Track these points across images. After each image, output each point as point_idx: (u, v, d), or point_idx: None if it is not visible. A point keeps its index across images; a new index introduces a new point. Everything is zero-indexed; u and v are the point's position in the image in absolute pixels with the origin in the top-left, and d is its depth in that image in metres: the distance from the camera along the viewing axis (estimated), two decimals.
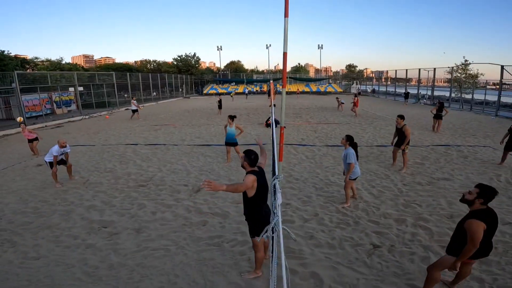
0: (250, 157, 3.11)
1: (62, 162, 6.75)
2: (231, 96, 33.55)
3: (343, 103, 19.69)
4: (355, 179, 5.13)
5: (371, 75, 46.06)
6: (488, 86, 20.70)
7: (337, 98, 20.79)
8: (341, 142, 5.23)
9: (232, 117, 7.75)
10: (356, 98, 16.88)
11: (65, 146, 6.60)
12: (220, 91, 42.64)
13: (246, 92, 37.91)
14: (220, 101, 19.67)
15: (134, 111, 17.50)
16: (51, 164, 6.49)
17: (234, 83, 47.37)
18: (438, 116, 11.56)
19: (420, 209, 4.99)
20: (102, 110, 22.09)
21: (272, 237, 2.39)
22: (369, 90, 39.90)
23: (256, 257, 3.30)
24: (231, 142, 7.73)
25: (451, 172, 6.78)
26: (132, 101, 17.89)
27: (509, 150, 7.06)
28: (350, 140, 5.00)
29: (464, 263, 2.92)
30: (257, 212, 3.10)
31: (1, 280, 3.48)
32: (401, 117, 6.88)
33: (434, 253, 3.77)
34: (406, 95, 24.70)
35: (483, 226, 2.58)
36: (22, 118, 9.90)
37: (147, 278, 3.45)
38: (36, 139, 9.42)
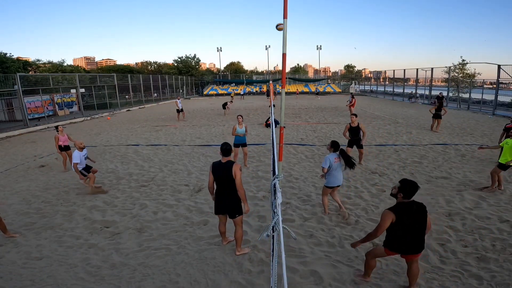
0: (221, 148, 3.67)
1: (89, 168, 6.27)
2: (232, 96, 33.46)
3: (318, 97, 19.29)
4: (332, 187, 4.66)
5: (369, 75, 46.13)
6: (485, 86, 20.73)
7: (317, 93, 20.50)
8: (327, 148, 4.85)
9: (242, 117, 7.57)
10: (353, 98, 17.01)
11: (84, 147, 6.10)
12: (220, 92, 42.72)
13: (232, 95, 36.98)
14: (226, 103, 19.59)
15: (179, 111, 17.02)
16: (84, 170, 6.08)
17: (234, 84, 47.44)
18: (437, 116, 11.55)
19: None
20: (103, 111, 22.18)
21: (273, 236, 2.42)
22: (357, 90, 40.22)
23: (218, 228, 4.00)
24: (240, 143, 7.40)
25: (449, 171, 6.82)
26: (176, 100, 17.30)
27: None
28: (334, 146, 4.64)
29: (408, 261, 3.07)
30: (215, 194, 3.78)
31: (5, 280, 3.53)
32: (355, 115, 7.50)
33: (432, 250, 3.81)
34: (440, 99, 18.66)
35: (391, 217, 2.81)
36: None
37: (149, 277, 3.49)
38: (69, 147, 7.84)
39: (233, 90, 40.64)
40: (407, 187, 2.85)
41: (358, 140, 7.37)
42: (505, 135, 7.14)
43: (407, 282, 3.22)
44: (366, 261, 3.25)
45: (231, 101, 20.28)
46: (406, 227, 2.83)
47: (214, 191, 3.77)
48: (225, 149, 3.63)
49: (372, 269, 3.27)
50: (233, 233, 3.96)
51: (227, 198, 3.68)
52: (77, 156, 5.91)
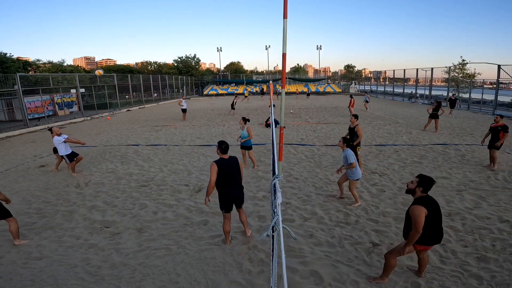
0: (221, 146, 3.85)
1: (75, 155, 7.22)
2: (246, 96, 32.87)
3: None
4: (357, 179, 5.06)
5: (369, 75, 46.18)
6: (485, 86, 20.76)
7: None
8: (338, 145, 5.22)
9: (245, 120, 7.30)
10: (352, 99, 17.02)
11: (60, 134, 7.05)
12: (220, 92, 42.72)
13: (246, 94, 36.03)
14: (235, 102, 19.54)
15: (184, 110, 17.04)
16: (69, 156, 7.06)
17: (234, 84, 47.43)
18: (434, 116, 11.57)
19: None
20: (103, 111, 22.17)
21: (273, 236, 2.42)
22: (357, 90, 40.57)
23: (223, 228, 4.10)
24: (244, 146, 7.25)
25: (449, 171, 6.82)
26: (181, 100, 17.26)
27: (492, 149, 6.95)
28: (347, 142, 5.07)
29: (420, 251, 3.16)
30: (220, 190, 3.87)
31: (5, 280, 3.53)
32: (356, 116, 7.09)
33: (432, 250, 3.80)
34: (453, 102, 16.90)
35: (424, 211, 2.85)
36: None
37: (149, 277, 3.49)
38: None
39: (246, 89, 39.53)
40: (427, 181, 2.97)
41: (351, 141, 7.06)
42: (490, 135, 6.96)
43: (408, 282, 3.24)
44: (388, 262, 3.17)
45: (246, 97, 21.05)
46: (436, 219, 2.95)
47: (219, 188, 3.86)
48: (224, 147, 3.84)
49: (393, 269, 3.22)
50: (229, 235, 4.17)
51: (235, 190, 3.91)
52: (60, 139, 6.89)
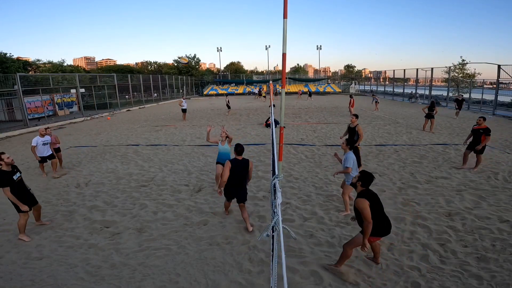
0: (237, 149, 4.35)
1: (52, 156, 7.30)
2: (263, 96, 31.73)
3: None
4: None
5: (369, 75, 46.21)
6: (485, 86, 20.77)
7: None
8: (342, 147, 4.99)
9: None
10: (352, 99, 17.01)
11: (45, 134, 7.18)
12: (220, 92, 42.71)
13: (263, 94, 33.08)
14: (228, 102, 19.57)
15: (184, 110, 17.06)
16: (42, 158, 7.16)
17: (234, 84, 47.44)
18: (429, 116, 11.58)
19: (419, 207, 5.03)
20: (103, 111, 22.17)
21: (273, 236, 2.42)
22: (353, 90, 40.78)
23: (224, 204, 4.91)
24: (223, 161, 5.56)
25: (449, 171, 6.82)
26: (181, 100, 17.23)
27: (470, 150, 6.91)
28: (350, 144, 4.88)
29: (372, 242, 3.41)
30: (226, 185, 4.39)
31: (5, 280, 3.53)
32: (356, 116, 7.04)
33: (432, 250, 3.81)
34: (459, 102, 15.18)
35: (367, 202, 3.11)
36: None
37: (149, 277, 3.49)
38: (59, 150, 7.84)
39: (260, 90, 38.62)
40: (365, 176, 3.28)
41: (354, 142, 7.03)
42: (472, 137, 6.90)
43: (408, 282, 3.25)
44: (345, 252, 3.38)
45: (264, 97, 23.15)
46: (380, 210, 3.25)
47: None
48: (239, 150, 4.35)
49: (348, 258, 3.45)
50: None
51: (243, 188, 4.43)
52: (36, 140, 7.08)
